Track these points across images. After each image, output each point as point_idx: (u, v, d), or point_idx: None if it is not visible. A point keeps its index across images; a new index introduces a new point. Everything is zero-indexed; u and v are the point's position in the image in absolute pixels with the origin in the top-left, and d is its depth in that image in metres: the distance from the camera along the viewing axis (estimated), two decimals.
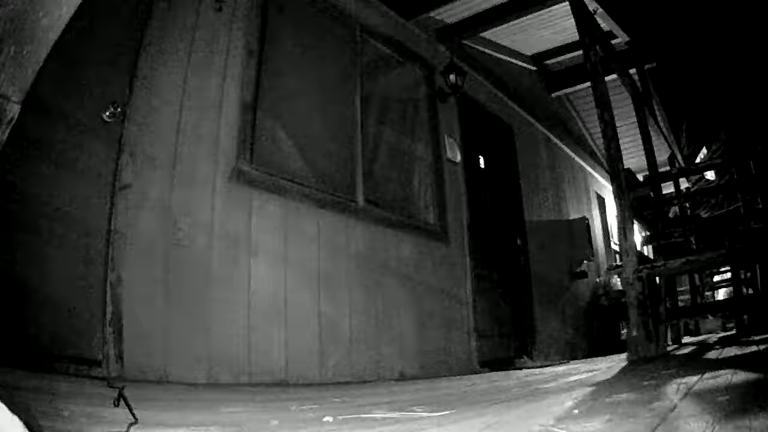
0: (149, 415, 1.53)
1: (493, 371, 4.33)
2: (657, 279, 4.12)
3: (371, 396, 2.52)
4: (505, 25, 5.20)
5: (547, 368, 4.23)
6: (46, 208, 2.28)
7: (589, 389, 2.19)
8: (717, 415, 1.32)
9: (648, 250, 7.12)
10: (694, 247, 4.83)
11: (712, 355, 3.36)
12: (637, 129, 5.50)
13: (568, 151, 7.64)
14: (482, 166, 5.49)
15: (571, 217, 7.13)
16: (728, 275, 6.22)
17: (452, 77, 4.87)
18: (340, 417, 1.73)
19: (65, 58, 2.26)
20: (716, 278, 7.50)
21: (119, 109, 2.54)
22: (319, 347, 3.22)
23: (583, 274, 6.85)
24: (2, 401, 0.86)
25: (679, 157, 8.66)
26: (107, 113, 2.50)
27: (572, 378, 2.90)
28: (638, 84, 5.84)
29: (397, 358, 3.75)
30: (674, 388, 1.82)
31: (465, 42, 5.39)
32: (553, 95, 7.31)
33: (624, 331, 6.13)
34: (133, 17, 2.73)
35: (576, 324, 6.51)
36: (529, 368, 4.45)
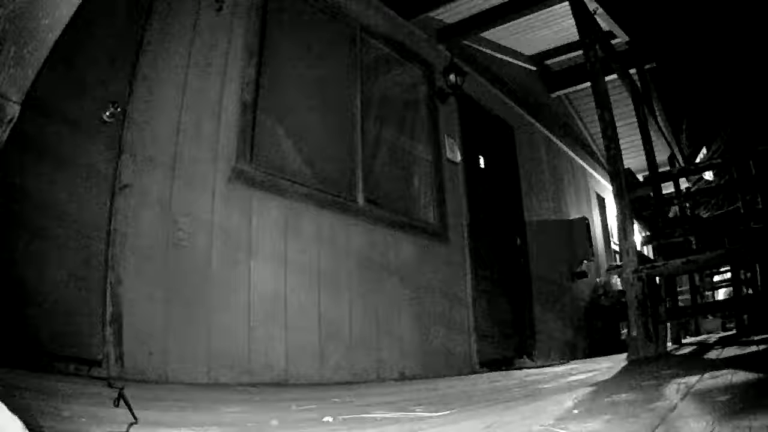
0: (149, 415, 1.53)
1: (493, 371, 4.33)
2: (657, 279, 4.12)
3: (371, 396, 2.52)
4: (505, 25, 5.20)
5: (547, 368, 4.23)
6: (46, 208, 2.28)
7: (589, 389, 2.19)
8: (717, 415, 1.32)
9: (648, 250, 7.12)
10: (694, 247, 4.83)
11: (712, 355, 3.35)
12: (637, 129, 5.49)
13: (568, 151, 7.64)
14: (482, 166, 5.49)
15: (571, 217, 7.13)
16: (728, 275, 6.22)
17: (452, 77, 4.87)
18: (341, 417, 1.73)
19: (65, 58, 2.27)
20: (716, 278, 7.50)
21: (119, 109, 2.54)
22: (319, 347, 3.22)
23: (583, 274, 6.85)
24: (2, 401, 0.86)
25: (679, 157, 8.66)
26: (107, 113, 2.50)
27: (572, 378, 2.90)
28: (638, 84, 5.84)
29: (397, 358, 3.75)
30: (674, 388, 1.82)
31: (465, 42, 5.39)
32: (553, 95, 7.31)
33: (624, 331, 6.13)
34: (133, 17, 2.73)
35: (576, 324, 6.51)
36: (529, 368, 4.45)
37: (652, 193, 4.97)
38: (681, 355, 3.68)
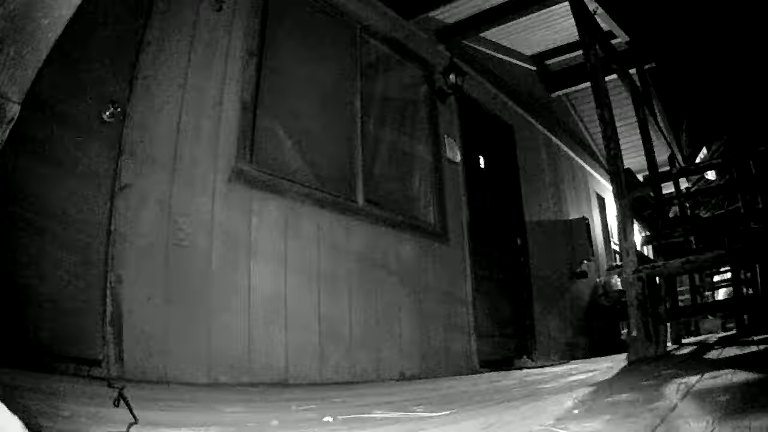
0: (149, 415, 1.53)
1: (494, 371, 4.33)
2: (657, 279, 4.12)
3: (371, 396, 2.52)
4: (505, 25, 5.21)
5: (547, 368, 4.23)
6: (46, 208, 2.28)
7: (589, 389, 2.19)
8: (717, 415, 1.32)
9: (648, 250, 7.12)
10: (694, 247, 4.82)
11: (712, 355, 3.35)
12: (637, 129, 5.49)
13: (568, 151, 7.64)
14: (482, 165, 5.49)
15: (571, 217, 7.13)
16: (728, 275, 6.22)
17: (452, 77, 4.87)
18: (341, 417, 1.73)
19: (65, 58, 2.27)
20: (716, 278, 7.50)
21: (119, 109, 2.54)
22: (319, 347, 3.22)
23: (583, 274, 6.84)
24: (2, 401, 0.86)
25: (679, 157, 8.66)
26: (107, 113, 2.50)
27: (572, 378, 2.91)
28: (638, 84, 5.84)
29: (397, 358, 3.75)
30: (674, 388, 1.82)
31: (465, 42, 5.39)
32: (553, 95, 7.31)
33: (624, 331, 6.13)
34: (133, 17, 2.73)
35: (576, 324, 6.51)
36: (529, 368, 4.45)
37: (652, 193, 4.97)
38: (681, 355, 3.68)
